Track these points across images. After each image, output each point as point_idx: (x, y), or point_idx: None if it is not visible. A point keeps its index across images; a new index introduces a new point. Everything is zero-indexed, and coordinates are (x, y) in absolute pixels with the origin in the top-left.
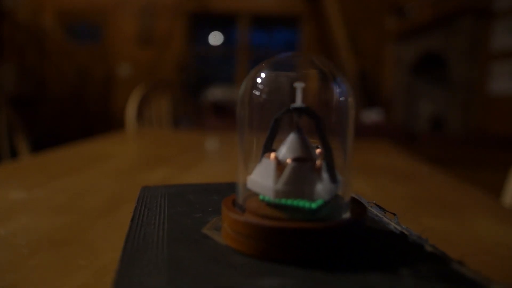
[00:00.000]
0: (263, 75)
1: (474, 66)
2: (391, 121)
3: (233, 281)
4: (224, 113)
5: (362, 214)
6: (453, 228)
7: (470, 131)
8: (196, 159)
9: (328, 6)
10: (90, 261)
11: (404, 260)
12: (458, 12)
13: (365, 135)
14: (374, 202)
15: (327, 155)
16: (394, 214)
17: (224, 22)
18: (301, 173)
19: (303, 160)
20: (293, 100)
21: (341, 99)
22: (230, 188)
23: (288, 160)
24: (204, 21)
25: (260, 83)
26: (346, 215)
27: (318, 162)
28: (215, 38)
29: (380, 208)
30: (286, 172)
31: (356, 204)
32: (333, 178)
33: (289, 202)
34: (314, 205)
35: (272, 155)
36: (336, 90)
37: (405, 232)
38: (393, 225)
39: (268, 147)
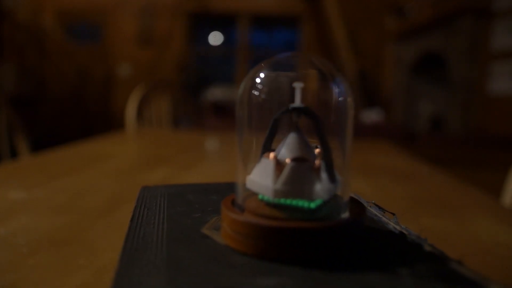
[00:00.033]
0: (262, 75)
1: (474, 66)
2: (391, 121)
3: (232, 281)
4: (224, 113)
5: (361, 214)
6: (453, 228)
7: (470, 131)
8: (196, 159)
9: (328, 6)
10: (90, 261)
11: (403, 259)
12: (458, 12)
13: (365, 135)
14: (373, 202)
15: (326, 155)
16: (393, 214)
17: (224, 22)
18: (300, 173)
19: (302, 160)
20: (292, 100)
21: (340, 99)
22: (229, 188)
23: (287, 160)
24: (204, 21)
25: (259, 83)
26: (345, 214)
27: (317, 162)
28: (215, 38)
29: (379, 208)
30: (285, 172)
31: (355, 204)
32: (332, 178)
33: (288, 202)
34: (313, 205)
35: (271, 155)
36: (335, 90)
37: (404, 232)
38: (392, 224)
39: (267, 147)
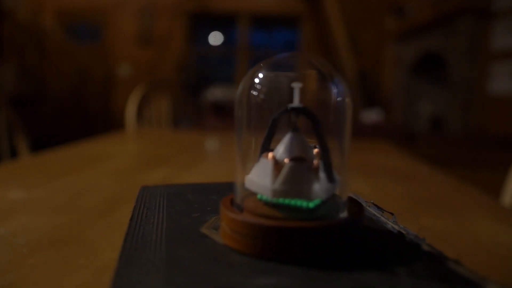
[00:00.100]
0: (260, 75)
1: (474, 66)
2: (391, 121)
3: (231, 280)
4: (224, 113)
5: (359, 214)
6: (452, 228)
7: (470, 131)
8: (196, 159)
9: (328, 6)
10: (90, 261)
11: (401, 259)
12: (458, 12)
13: (365, 135)
14: (372, 201)
15: (324, 154)
16: (392, 214)
17: (224, 22)
18: (299, 172)
19: (301, 159)
20: (291, 100)
21: (338, 99)
22: (229, 187)
23: (286, 160)
24: (204, 21)
25: (258, 83)
26: (344, 214)
27: (315, 161)
28: (215, 38)
29: (378, 207)
30: (284, 171)
31: (354, 204)
32: (330, 178)
33: (287, 201)
34: (311, 205)
35: (270, 155)
36: (334, 90)
37: (402, 232)
38: (390, 224)
39: (266, 147)
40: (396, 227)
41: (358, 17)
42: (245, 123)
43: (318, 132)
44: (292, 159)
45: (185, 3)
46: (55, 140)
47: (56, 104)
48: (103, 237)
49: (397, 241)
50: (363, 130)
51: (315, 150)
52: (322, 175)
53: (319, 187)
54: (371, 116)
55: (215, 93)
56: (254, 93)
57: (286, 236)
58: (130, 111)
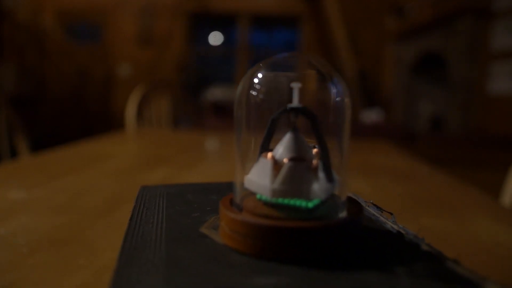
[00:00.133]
0: (260, 75)
1: (474, 66)
2: (391, 121)
3: (231, 280)
4: (224, 113)
5: (358, 214)
6: (452, 228)
7: (470, 131)
8: (196, 159)
9: (328, 6)
10: (90, 261)
11: (400, 259)
12: (458, 12)
13: (365, 135)
14: (371, 201)
15: (324, 154)
16: (391, 214)
17: (224, 22)
18: (298, 172)
19: (300, 159)
20: (290, 100)
21: (337, 99)
22: (228, 187)
23: (285, 160)
24: (204, 21)
25: (257, 83)
26: (343, 214)
27: (314, 161)
28: (215, 38)
29: (377, 207)
30: (283, 171)
31: (353, 204)
32: (329, 178)
33: (286, 201)
34: (310, 204)
35: (269, 154)
36: (333, 90)
37: (402, 232)
38: (389, 224)
39: (265, 147)
40: (395, 227)
41: (358, 17)
42: (245, 123)
43: (317, 132)
44: (291, 159)
45: (185, 3)
46: (55, 140)
47: (56, 104)
48: (103, 237)
49: (396, 241)
50: (363, 130)
51: (314, 150)
52: (321, 175)
53: (318, 187)
54: (371, 116)
55: (215, 93)
56: (254, 93)
57: (285, 236)
58: (130, 111)
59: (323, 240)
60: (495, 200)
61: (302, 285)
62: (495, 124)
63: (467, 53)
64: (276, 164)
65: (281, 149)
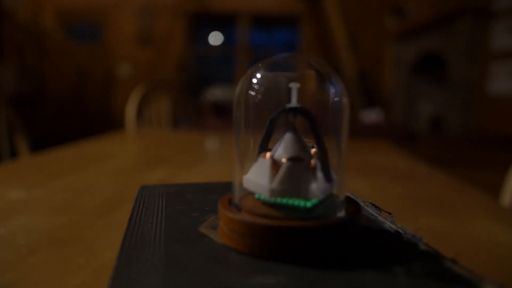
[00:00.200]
0: (258, 75)
1: (474, 66)
2: (391, 121)
3: (229, 279)
4: (224, 113)
5: (357, 213)
6: (452, 228)
7: (470, 131)
8: (196, 159)
9: (328, 6)
10: (90, 261)
11: (398, 258)
12: (457, 12)
13: (365, 135)
14: (369, 201)
15: (322, 154)
16: (390, 213)
17: (224, 22)
18: (296, 172)
19: (298, 159)
20: (289, 100)
21: (335, 99)
22: (228, 187)
23: (283, 160)
24: (204, 21)
25: (256, 84)
26: (341, 214)
27: (313, 161)
28: (215, 38)
29: (376, 207)
30: (281, 171)
31: (351, 203)
32: (327, 177)
33: (284, 201)
34: (309, 204)
35: (268, 154)
36: (331, 90)
37: (400, 231)
38: (388, 224)
39: (264, 147)
40: (393, 226)
41: (358, 17)
42: (243, 123)
43: (316, 132)
44: (289, 159)
45: (185, 3)
46: (55, 140)
47: (56, 104)
48: (102, 237)
49: (395, 241)
50: (363, 130)
51: (313, 150)
52: (319, 174)
53: (317, 186)
54: (371, 116)
55: (215, 93)
56: (252, 93)
57: (283, 236)
58: (130, 111)
59: (321, 239)
60: (495, 200)
61: (301, 285)
62: (495, 124)
63: (467, 53)
64: (275, 164)
65: (280, 149)
